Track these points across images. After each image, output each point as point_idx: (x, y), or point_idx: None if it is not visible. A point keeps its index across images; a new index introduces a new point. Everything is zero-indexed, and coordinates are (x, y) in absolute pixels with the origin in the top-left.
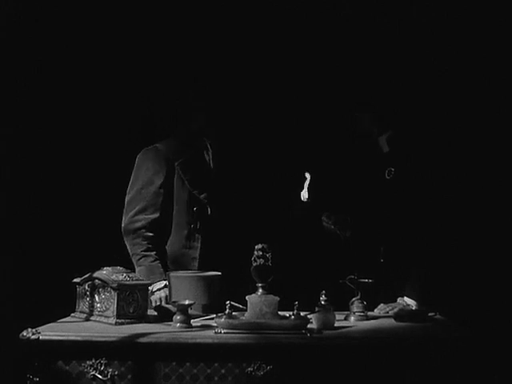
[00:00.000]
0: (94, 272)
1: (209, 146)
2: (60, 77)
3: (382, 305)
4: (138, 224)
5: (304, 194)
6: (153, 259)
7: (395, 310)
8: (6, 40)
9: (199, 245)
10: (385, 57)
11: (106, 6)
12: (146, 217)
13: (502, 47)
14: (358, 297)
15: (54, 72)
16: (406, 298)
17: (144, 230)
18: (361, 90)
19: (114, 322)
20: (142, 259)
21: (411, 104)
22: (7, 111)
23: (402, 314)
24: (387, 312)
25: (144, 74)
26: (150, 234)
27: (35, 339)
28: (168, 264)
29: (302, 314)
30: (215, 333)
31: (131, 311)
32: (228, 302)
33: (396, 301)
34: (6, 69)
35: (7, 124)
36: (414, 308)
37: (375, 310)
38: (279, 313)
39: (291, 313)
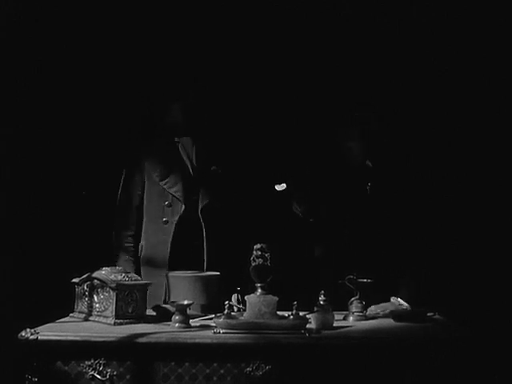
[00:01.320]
0: (92, 272)
1: (182, 144)
2: (60, 77)
3: (372, 307)
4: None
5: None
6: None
7: (386, 311)
8: (6, 40)
9: (170, 239)
10: (385, 57)
11: (106, 6)
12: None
13: (502, 47)
14: (357, 297)
15: (54, 72)
16: (399, 299)
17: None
18: (361, 90)
19: (112, 322)
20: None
21: (411, 104)
22: (7, 111)
23: (401, 314)
24: (378, 313)
25: (144, 74)
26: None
27: (34, 339)
28: (141, 260)
29: (300, 313)
30: (214, 333)
31: (130, 311)
32: (227, 302)
33: (389, 301)
34: (6, 69)
35: (7, 124)
36: (407, 308)
37: (367, 312)
38: (278, 313)
39: (290, 313)
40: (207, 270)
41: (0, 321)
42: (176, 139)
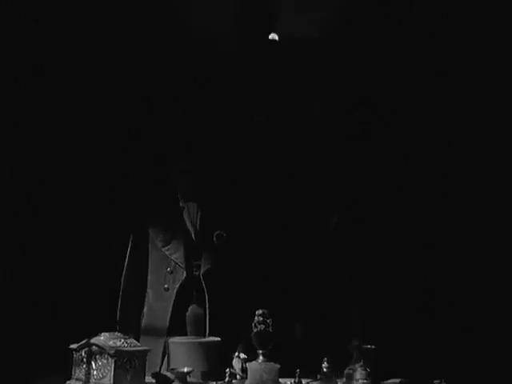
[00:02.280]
0: (91, 338)
1: (187, 210)
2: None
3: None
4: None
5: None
6: None
7: None
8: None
9: (171, 306)
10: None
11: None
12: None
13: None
14: (361, 363)
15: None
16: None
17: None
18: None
19: None
20: None
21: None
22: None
23: (407, 382)
24: None
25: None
26: None
27: None
28: (142, 324)
29: (303, 381)
30: None
31: (129, 379)
32: (228, 369)
33: None
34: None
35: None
36: None
37: None
38: (280, 380)
39: (292, 380)
40: (209, 336)
41: None
42: (181, 204)
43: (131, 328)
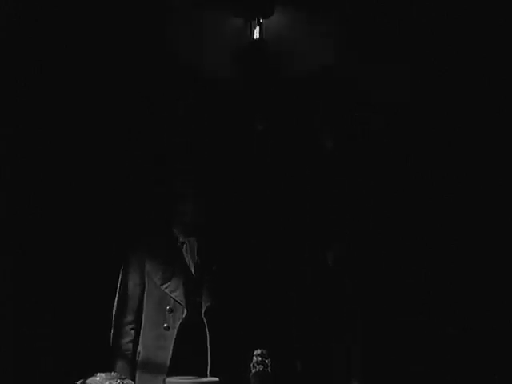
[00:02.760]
0: (86, 378)
1: (188, 245)
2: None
3: None
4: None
5: None
6: None
7: None
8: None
9: (172, 346)
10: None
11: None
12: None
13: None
14: None
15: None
16: None
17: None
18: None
19: None
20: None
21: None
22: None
23: None
24: None
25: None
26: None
27: None
28: (138, 366)
29: None
30: None
31: None
32: None
33: None
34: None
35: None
36: None
37: None
38: None
39: None
40: (210, 375)
41: None
42: (181, 240)
43: (123, 364)
